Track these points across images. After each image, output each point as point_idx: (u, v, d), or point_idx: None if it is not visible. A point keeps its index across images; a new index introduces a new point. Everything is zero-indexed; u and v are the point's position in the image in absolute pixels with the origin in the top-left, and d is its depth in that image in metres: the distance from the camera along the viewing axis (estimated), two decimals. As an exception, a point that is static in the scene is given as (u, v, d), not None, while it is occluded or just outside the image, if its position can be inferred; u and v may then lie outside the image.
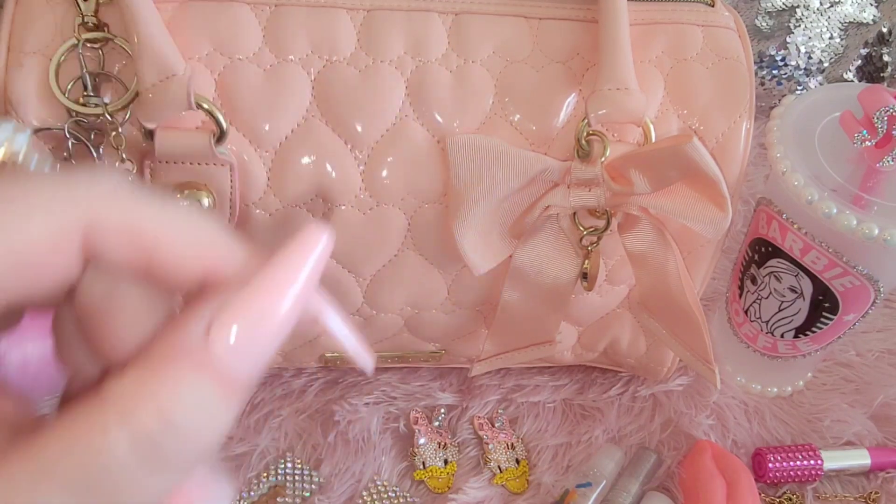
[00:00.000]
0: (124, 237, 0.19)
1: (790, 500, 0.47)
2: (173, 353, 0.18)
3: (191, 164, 0.36)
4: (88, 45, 0.35)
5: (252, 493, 0.46)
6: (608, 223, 0.39)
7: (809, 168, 0.41)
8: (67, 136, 0.35)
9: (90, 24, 0.35)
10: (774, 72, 0.68)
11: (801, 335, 0.47)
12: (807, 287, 0.44)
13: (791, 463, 0.47)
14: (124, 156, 0.36)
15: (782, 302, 0.46)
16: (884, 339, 0.56)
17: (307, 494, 0.46)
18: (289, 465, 0.47)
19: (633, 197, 0.37)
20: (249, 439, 0.48)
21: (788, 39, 0.67)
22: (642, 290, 0.43)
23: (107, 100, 0.35)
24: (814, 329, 0.46)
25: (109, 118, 0.35)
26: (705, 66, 0.39)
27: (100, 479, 0.17)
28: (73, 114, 0.35)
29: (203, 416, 0.17)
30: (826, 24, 0.66)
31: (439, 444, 0.48)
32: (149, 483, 0.17)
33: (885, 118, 0.40)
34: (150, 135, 0.35)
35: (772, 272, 0.46)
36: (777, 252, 0.45)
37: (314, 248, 0.19)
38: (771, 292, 0.46)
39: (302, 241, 0.19)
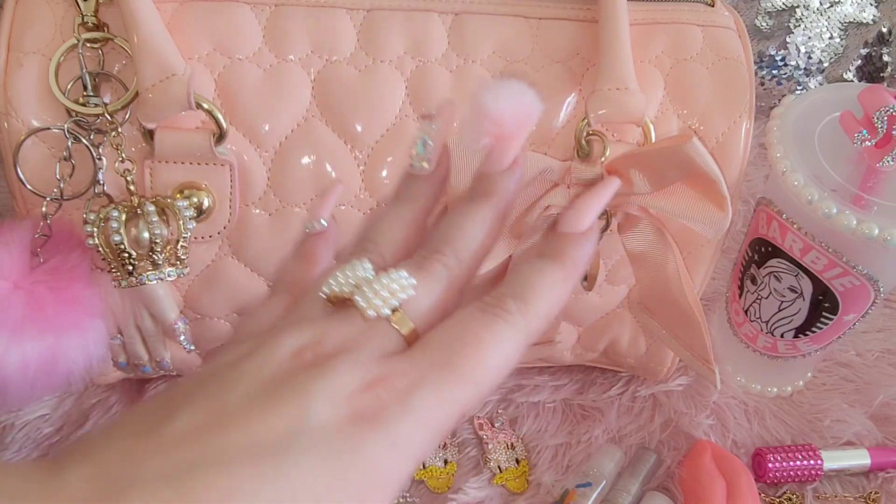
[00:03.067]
0: None
1: (790, 500, 0.47)
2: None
3: (191, 163, 0.36)
4: (88, 44, 0.35)
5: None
6: (608, 223, 0.39)
7: (809, 168, 0.41)
8: (67, 135, 0.35)
9: (90, 23, 0.35)
10: (774, 72, 0.68)
11: (800, 335, 0.47)
12: (807, 287, 0.44)
13: (791, 463, 0.47)
14: (124, 156, 0.36)
15: (782, 302, 0.46)
16: (884, 339, 0.56)
17: (307, 494, 0.46)
18: (289, 465, 0.47)
19: (633, 197, 0.37)
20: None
21: (788, 39, 0.67)
22: (642, 290, 0.43)
23: (106, 100, 0.35)
24: (814, 329, 0.46)
25: (109, 118, 0.35)
26: (705, 66, 0.39)
27: None
28: (73, 114, 0.35)
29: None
30: (826, 23, 0.66)
31: (439, 443, 0.48)
32: None
33: (885, 118, 0.40)
34: (149, 135, 0.35)
35: (772, 272, 0.46)
36: (777, 252, 0.45)
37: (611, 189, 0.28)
38: (771, 292, 0.46)
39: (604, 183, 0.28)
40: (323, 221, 0.30)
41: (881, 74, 0.70)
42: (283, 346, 0.23)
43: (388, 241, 0.28)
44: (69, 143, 0.35)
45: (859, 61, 0.69)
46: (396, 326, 0.24)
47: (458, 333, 0.24)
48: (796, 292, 0.45)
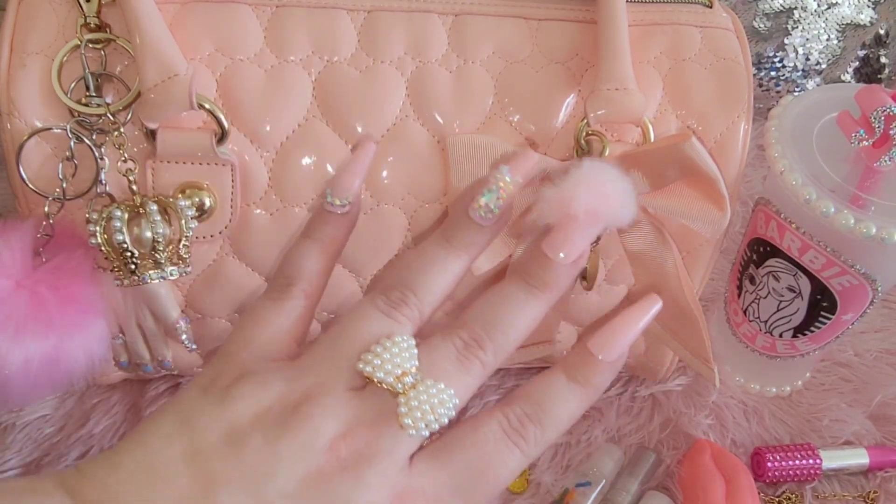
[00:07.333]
0: None
1: (789, 499, 0.48)
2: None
3: (192, 163, 0.36)
4: (91, 45, 0.35)
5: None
6: (608, 222, 0.39)
7: (807, 167, 0.41)
8: (69, 136, 0.35)
9: (92, 24, 0.35)
10: (772, 73, 0.68)
11: (799, 335, 0.47)
12: (805, 286, 0.45)
13: (790, 462, 0.47)
14: (126, 156, 0.36)
15: (780, 301, 0.46)
16: (882, 339, 0.56)
17: (308, 494, 0.46)
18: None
19: (633, 196, 0.37)
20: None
21: (786, 41, 0.67)
22: (641, 290, 0.43)
23: (109, 100, 0.35)
24: (812, 329, 0.46)
25: (111, 118, 0.35)
26: (703, 66, 0.39)
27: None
28: (76, 114, 0.35)
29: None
30: (823, 25, 0.66)
31: None
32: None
33: (883, 118, 0.40)
34: (152, 135, 0.35)
35: (770, 272, 0.46)
36: (775, 252, 0.45)
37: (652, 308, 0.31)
38: (769, 292, 0.46)
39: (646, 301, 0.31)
40: (348, 199, 0.29)
41: (878, 76, 0.70)
42: (318, 434, 0.25)
43: (431, 297, 0.28)
44: (72, 143, 0.35)
45: (857, 63, 0.69)
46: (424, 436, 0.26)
47: (478, 461, 0.26)
48: (795, 292, 0.45)
